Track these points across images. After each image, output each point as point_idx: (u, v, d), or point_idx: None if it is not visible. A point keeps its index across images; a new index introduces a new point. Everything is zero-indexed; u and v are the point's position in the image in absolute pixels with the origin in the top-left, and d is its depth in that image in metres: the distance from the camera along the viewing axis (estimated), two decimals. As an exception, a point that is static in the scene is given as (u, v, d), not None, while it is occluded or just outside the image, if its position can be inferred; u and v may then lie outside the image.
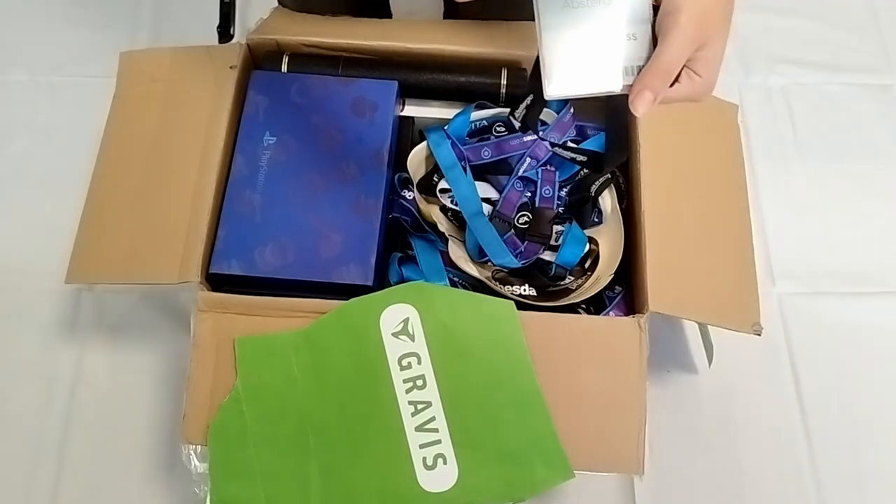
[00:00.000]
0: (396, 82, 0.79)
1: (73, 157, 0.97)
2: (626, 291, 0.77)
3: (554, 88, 0.50)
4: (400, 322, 0.70)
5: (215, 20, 1.10)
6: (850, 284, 0.98)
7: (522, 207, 0.79)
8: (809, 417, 0.91)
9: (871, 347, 0.94)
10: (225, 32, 1.08)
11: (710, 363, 0.86)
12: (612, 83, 0.51)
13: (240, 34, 1.10)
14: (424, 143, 0.80)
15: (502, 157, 0.80)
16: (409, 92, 0.82)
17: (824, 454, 0.89)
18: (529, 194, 0.80)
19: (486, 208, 0.79)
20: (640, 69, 0.50)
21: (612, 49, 0.50)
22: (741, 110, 0.86)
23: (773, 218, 1.01)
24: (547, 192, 0.79)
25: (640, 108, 0.50)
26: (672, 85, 0.51)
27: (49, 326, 0.93)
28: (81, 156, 0.84)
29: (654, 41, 0.50)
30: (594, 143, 0.81)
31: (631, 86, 0.50)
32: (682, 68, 0.50)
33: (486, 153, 0.80)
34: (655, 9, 0.51)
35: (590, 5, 0.50)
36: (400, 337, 0.69)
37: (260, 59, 0.83)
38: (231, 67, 0.79)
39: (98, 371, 0.92)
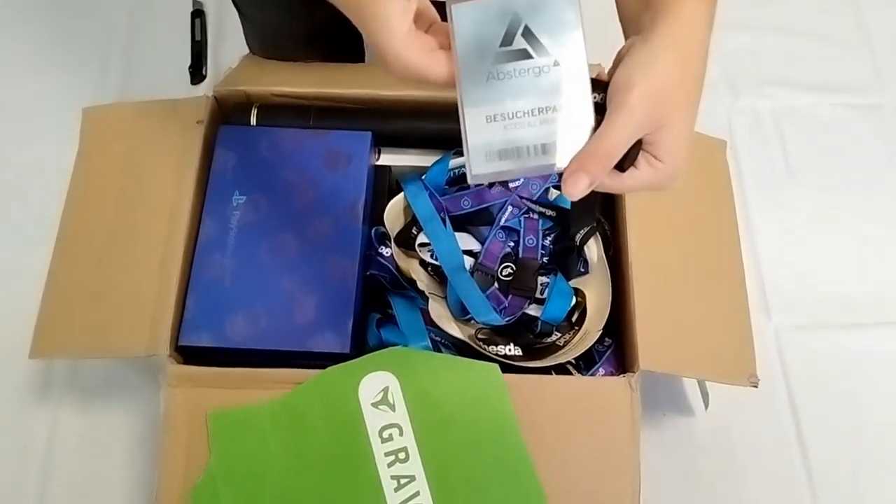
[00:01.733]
0: (370, 132, 0.76)
1: (41, 210, 0.93)
2: (616, 343, 0.74)
3: (479, 170, 0.46)
4: (380, 391, 0.67)
5: (187, 59, 1.07)
6: (848, 315, 0.95)
7: (505, 258, 0.76)
8: (811, 457, 0.88)
9: (872, 381, 0.91)
10: (197, 72, 1.05)
11: (706, 407, 0.84)
12: (545, 162, 0.46)
13: (212, 75, 1.07)
14: (402, 193, 0.77)
15: (483, 206, 0.77)
16: (385, 140, 0.79)
17: (826, 494, 0.86)
18: (512, 244, 0.77)
19: (468, 261, 0.76)
20: (576, 142, 0.46)
21: (545, 123, 0.46)
22: (730, 135, 0.83)
23: (767, 248, 0.98)
24: (530, 241, 0.76)
25: (573, 192, 0.45)
26: (625, 168, 0.46)
27: (22, 388, 0.90)
28: (49, 208, 0.80)
29: (600, 109, 0.46)
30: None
31: (565, 164, 0.45)
32: (639, 152, 0.46)
33: (465, 203, 0.77)
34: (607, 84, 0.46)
35: (518, 76, 0.45)
36: (380, 407, 0.66)
37: (228, 111, 0.80)
38: (198, 122, 0.76)
39: (73, 433, 0.88)
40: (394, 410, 0.66)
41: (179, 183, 0.74)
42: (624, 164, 0.46)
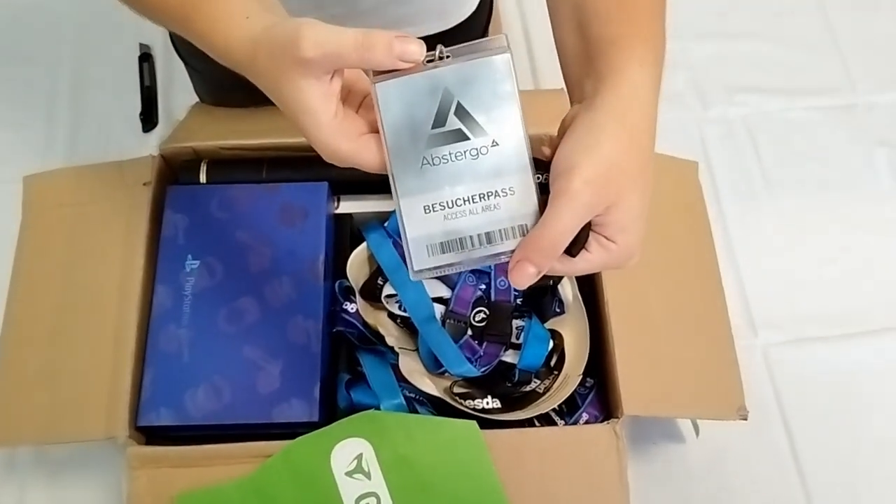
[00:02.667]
0: (326, 182, 0.73)
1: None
2: (598, 383, 0.71)
3: (421, 265, 0.43)
4: (353, 459, 0.63)
5: (137, 106, 1.03)
6: (835, 326, 0.92)
7: (478, 303, 0.73)
8: (807, 475, 0.85)
9: (864, 392, 0.89)
10: (148, 119, 1.02)
11: (697, 434, 0.81)
12: (491, 252, 0.43)
13: (164, 120, 1.03)
14: (364, 243, 0.74)
15: (450, 250, 0.73)
16: (343, 188, 0.76)
17: (827, 514, 0.84)
18: (484, 287, 0.74)
19: (439, 309, 0.72)
20: (521, 228, 0.43)
21: (487, 211, 0.42)
22: (703, 146, 0.81)
23: (748, 262, 0.95)
24: (502, 283, 0.73)
25: (520, 282, 0.42)
26: (575, 253, 0.43)
27: (-14, 467, 0.86)
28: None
29: (546, 189, 0.43)
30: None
31: (512, 251, 0.42)
32: (589, 235, 0.43)
33: (432, 248, 0.73)
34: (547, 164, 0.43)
35: (454, 160, 0.42)
36: (355, 476, 0.63)
37: (177, 169, 0.76)
38: (144, 184, 0.73)
39: (42, 511, 0.84)
40: (370, 479, 0.63)
41: (129, 250, 0.70)
42: (573, 250, 0.43)
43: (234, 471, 0.64)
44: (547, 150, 0.43)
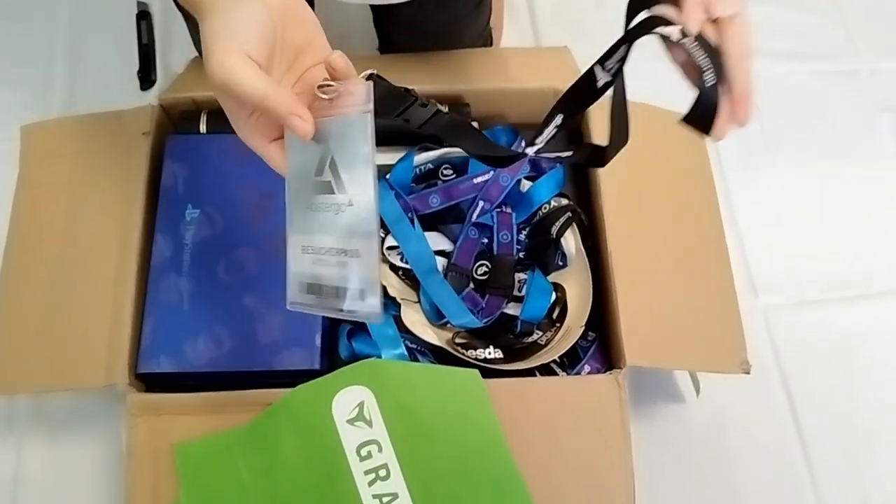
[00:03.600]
0: (328, 133, 0.72)
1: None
2: (600, 337, 0.71)
3: (294, 298, 0.44)
4: (354, 407, 0.63)
5: (134, 64, 1.02)
6: (835, 289, 0.92)
7: (480, 256, 0.73)
8: (807, 437, 0.86)
9: (863, 355, 0.89)
10: (146, 78, 1.01)
11: (697, 393, 0.81)
12: (336, 307, 0.43)
13: (162, 78, 1.02)
14: (366, 196, 0.73)
15: (452, 203, 0.73)
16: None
17: (825, 475, 0.84)
18: (486, 241, 0.73)
19: (441, 262, 0.72)
20: (361, 293, 0.42)
21: (340, 267, 0.43)
22: (706, 108, 0.80)
23: (749, 224, 0.95)
24: (505, 237, 0.73)
25: None
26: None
27: (-17, 424, 0.86)
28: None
29: (381, 253, 0.44)
30: (552, 179, 0.75)
31: (354, 311, 0.43)
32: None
33: (434, 201, 0.73)
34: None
35: (325, 210, 0.42)
36: (356, 424, 0.63)
37: (176, 120, 0.75)
38: (144, 134, 0.72)
39: (39, 468, 0.84)
40: (371, 426, 0.63)
41: (128, 200, 0.69)
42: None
43: (234, 419, 0.64)
44: None
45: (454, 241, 0.73)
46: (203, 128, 0.73)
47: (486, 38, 0.87)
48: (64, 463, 0.84)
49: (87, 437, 0.84)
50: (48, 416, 0.86)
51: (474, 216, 0.73)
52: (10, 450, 0.85)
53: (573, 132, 0.80)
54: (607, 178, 0.71)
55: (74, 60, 1.04)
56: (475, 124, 0.76)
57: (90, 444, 0.84)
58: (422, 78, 0.75)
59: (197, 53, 0.84)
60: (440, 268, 0.71)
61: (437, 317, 0.69)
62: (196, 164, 0.70)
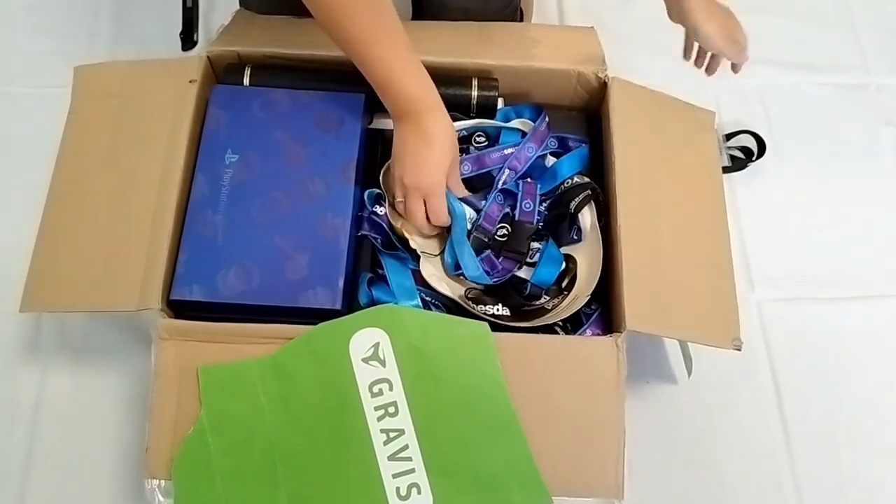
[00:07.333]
0: (364, 95, 0.76)
1: (31, 172, 0.92)
2: (604, 309, 0.75)
3: None
4: (370, 347, 0.67)
5: (177, 26, 1.07)
6: (828, 289, 0.96)
7: (503, 219, 0.77)
8: (790, 425, 0.90)
9: (851, 353, 0.93)
10: (188, 39, 1.05)
11: (689, 374, 0.85)
12: None
13: (204, 40, 1.07)
14: (395, 156, 0.77)
15: (483, 170, 0.77)
16: (378, 105, 0.79)
17: (805, 462, 0.88)
18: (510, 208, 0.78)
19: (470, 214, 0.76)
20: None
21: None
22: (717, 113, 0.85)
23: (751, 222, 0.99)
24: (527, 205, 0.77)
25: None
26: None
27: (10, 349, 0.90)
28: (40, 171, 0.79)
29: None
30: (576, 157, 0.79)
31: None
32: None
33: (465, 168, 0.77)
34: None
35: None
36: (370, 363, 0.67)
37: (221, 72, 0.80)
38: (190, 82, 0.76)
39: (62, 394, 0.88)
40: (384, 366, 0.67)
41: (172, 141, 0.74)
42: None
43: (257, 350, 0.68)
44: None
45: (478, 211, 0.76)
46: (246, 80, 0.77)
47: (514, 12, 0.92)
48: (86, 390, 0.88)
49: (110, 368, 0.88)
50: (73, 344, 0.90)
51: (500, 182, 0.77)
52: (35, 374, 0.89)
53: (591, 116, 0.85)
54: (622, 157, 0.75)
55: (119, 18, 1.09)
56: (501, 100, 0.81)
57: (113, 375, 0.88)
58: (451, 48, 0.79)
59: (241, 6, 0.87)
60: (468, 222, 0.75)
61: (454, 267, 0.73)
62: (238, 113, 0.74)
